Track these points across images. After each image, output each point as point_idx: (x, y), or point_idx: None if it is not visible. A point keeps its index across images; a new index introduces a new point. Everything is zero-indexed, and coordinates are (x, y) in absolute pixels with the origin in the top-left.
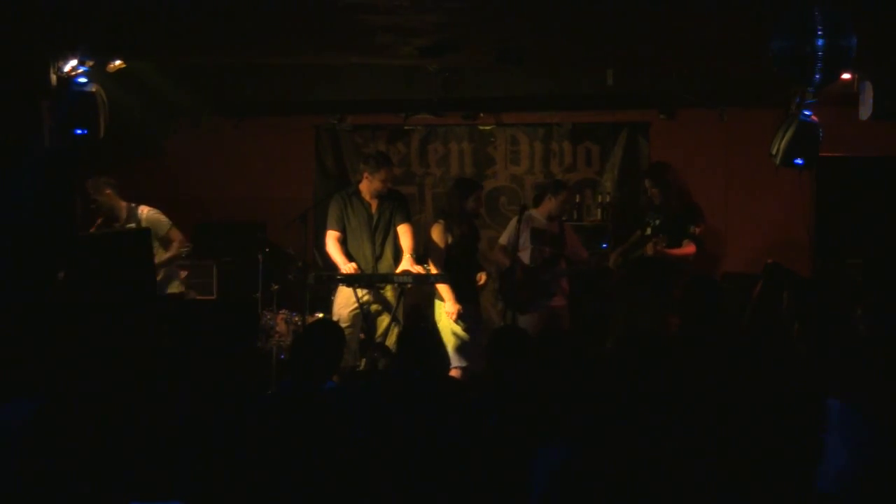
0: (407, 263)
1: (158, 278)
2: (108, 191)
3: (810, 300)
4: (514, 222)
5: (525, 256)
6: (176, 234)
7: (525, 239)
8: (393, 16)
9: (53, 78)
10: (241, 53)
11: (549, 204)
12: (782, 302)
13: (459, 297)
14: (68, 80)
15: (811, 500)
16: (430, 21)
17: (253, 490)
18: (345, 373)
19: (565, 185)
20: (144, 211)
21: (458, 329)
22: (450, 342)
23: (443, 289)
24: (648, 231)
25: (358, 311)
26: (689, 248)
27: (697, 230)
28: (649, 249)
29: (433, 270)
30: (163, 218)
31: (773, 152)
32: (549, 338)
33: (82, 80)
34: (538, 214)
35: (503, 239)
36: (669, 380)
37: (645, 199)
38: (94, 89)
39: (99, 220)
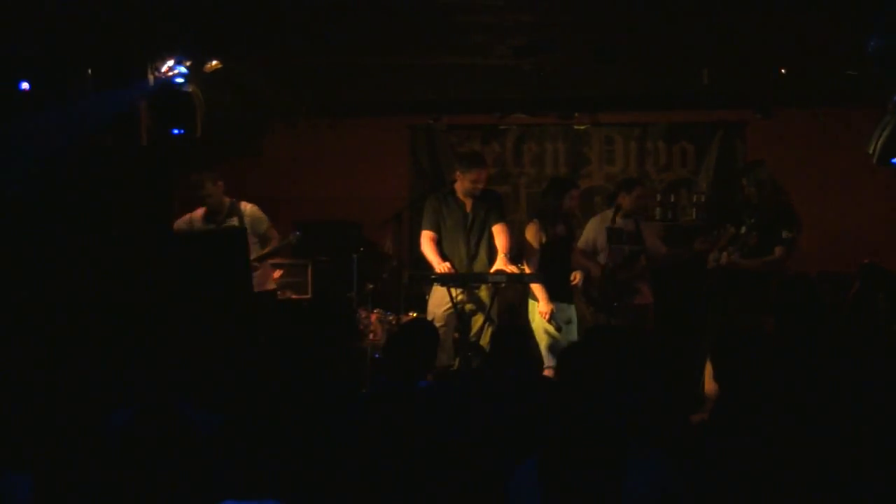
0: (501, 263)
1: (257, 273)
2: (219, 182)
3: None
4: (589, 225)
5: (604, 257)
6: (274, 233)
7: (603, 240)
8: (488, 15)
9: (151, 78)
10: (337, 54)
11: (623, 202)
12: (878, 302)
13: (554, 296)
14: (166, 80)
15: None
16: (525, 21)
17: (348, 489)
18: (439, 372)
19: (638, 182)
20: (247, 207)
21: (552, 329)
22: (543, 342)
23: (536, 288)
24: (743, 230)
25: (452, 310)
26: (773, 256)
27: (790, 235)
28: (723, 259)
29: (527, 270)
30: (264, 216)
31: (871, 151)
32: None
33: (179, 80)
34: (607, 214)
35: (580, 243)
36: (765, 379)
37: (741, 197)
38: (190, 89)
39: (202, 212)
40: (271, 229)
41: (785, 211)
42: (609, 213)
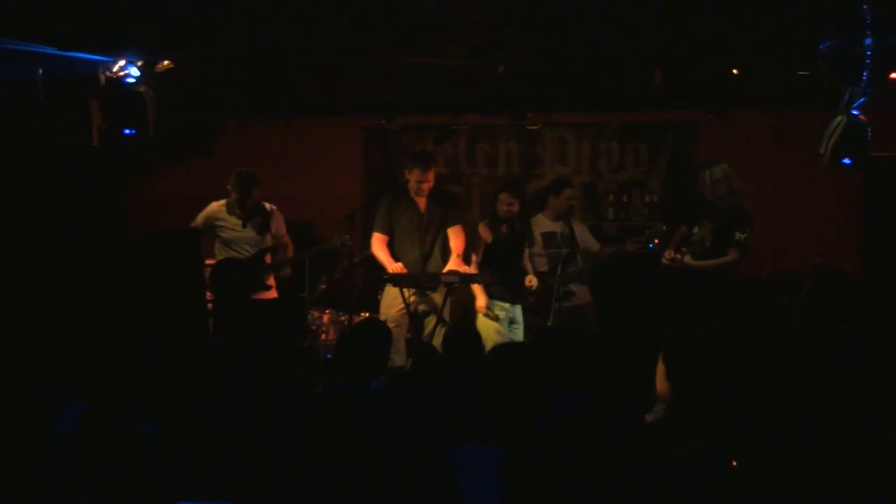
0: (454, 264)
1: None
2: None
3: (859, 302)
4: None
5: (542, 263)
6: (289, 239)
7: (539, 245)
8: (441, 15)
9: (102, 78)
10: (291, 54)
11: (554, 204)
12: (831, 303)
13: (498, 296)
14: (117, 80)
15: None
16: (479, 21)
17: (299, 490)
18: (391, 373)
19: (566, 183)
20: (274, 209)
21: (503, 329)
22: (492, 342)
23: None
24: (696, 230)
25: (405, 311)
26: (727, 258)
27: (742, 236)
28: (668, 256)
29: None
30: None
31: (822, 152)
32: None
33: (131, 80)
34: (544, 217)
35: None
36: (717, 381)
37: (696, 196)
38: (142, 89)
39: (223, 203)
40: (287, 235)
41: (738, 212)
42: (541, 216)
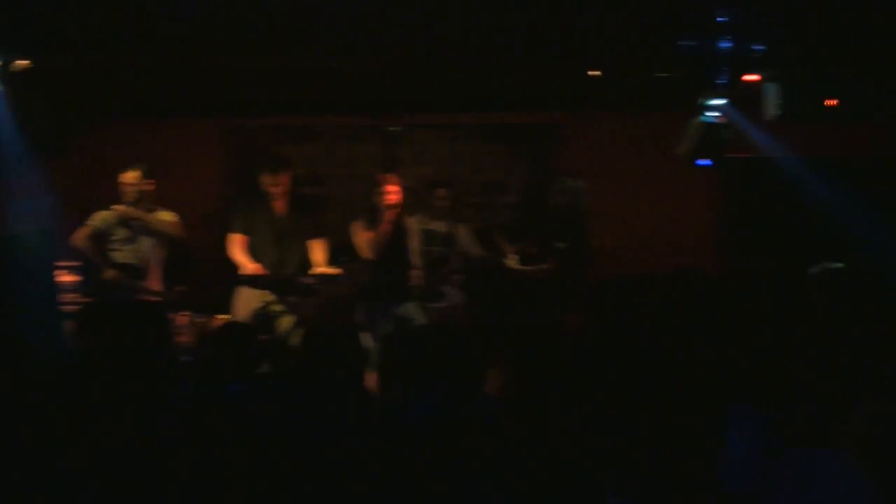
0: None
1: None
2: None
3: (719, 300)
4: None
5: (416, 259)
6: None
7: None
8: (301, 16)
9: None
10: (149, 54)
11: (431, 203)
12: (692, 302)
13: (391, 297)
14: None
15: (712, 497)
16: (339, 22)
17: (159, 493)
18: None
19: (438, 183)
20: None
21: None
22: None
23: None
24: (524, 245)
25: (260, 311)
26: (544, 266)
27: (561, 245)
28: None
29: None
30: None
31: (681, 153)
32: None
33: None
34: (422, 217)
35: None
36: (571, 381)
37: (549, 206)
38: None
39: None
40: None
41: (569, 225)
42: (423, 215)
